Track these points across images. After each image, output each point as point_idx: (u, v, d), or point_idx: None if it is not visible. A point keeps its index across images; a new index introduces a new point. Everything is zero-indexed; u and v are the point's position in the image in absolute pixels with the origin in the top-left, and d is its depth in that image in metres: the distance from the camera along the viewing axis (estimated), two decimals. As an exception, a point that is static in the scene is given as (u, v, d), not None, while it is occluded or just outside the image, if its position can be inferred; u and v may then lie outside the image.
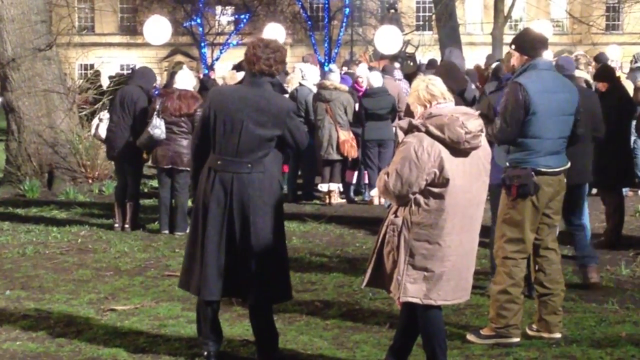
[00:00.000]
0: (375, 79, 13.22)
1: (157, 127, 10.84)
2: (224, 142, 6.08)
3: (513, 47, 6.87)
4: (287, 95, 11.55)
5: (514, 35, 7.36)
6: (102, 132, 11.79)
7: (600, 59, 15.03)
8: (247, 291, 6.10)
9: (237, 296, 6.37)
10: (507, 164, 6.72)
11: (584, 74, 10.94)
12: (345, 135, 13.20)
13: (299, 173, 14.51)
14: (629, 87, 13.46)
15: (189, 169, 9.69)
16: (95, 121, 12.30)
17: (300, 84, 13.82)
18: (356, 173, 13.92)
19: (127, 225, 11.41)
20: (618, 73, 14.05)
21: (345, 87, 13.64)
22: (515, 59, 6.87)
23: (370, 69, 15.56)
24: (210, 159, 6.16)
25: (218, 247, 6.05)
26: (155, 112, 10.89)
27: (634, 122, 10.82)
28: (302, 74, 14.06)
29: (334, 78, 13.56)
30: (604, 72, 10.52)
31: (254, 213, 6.03)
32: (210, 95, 6.40)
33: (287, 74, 17.25)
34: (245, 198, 6.03)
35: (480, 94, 9.19)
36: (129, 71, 25.13)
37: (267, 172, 6.09)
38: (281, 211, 6.27)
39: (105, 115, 12.05)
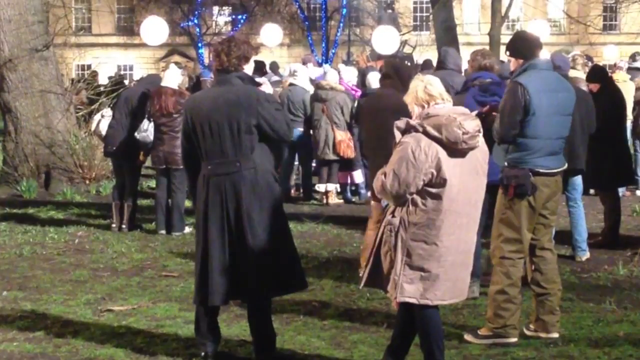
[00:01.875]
0: (374, 80, 13.11)
1: (143, 131, 10.98)
2: (208, 146, 6.10)
3: (508, 52, 6.89)
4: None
5: (511, 35, 7.36)
6: (103, 129, 11.86)
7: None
8: (254, 290, 6.09)
9: (244, 298, 6.35)
10: (506, 163, 6.72)
11: (581, 74, 10.94)
12: (342, 135, 13.17)
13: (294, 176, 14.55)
14: (631, 87, 13.49)
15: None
16: (97, 117, 12.36)
17: (291, 84, 13.82)
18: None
19: (124, 226, 11.41)
20: (620, 73, 14.11)
21: (342, 87, 13.62)
22: (513, 64, 6.89)
23: (368, 69, 15.53)
24: (202, 167, 6.18)
25: (222, 251, 6.06)
26: (147, 115, 10.99)
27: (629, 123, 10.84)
28: (293, 72, 14.08)
29: (331, 78, 13.55)
30: (595, 72, 10.53)
31: (248, 210, 6.03)
32: (185, 106, 6.46)
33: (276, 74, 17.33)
34: (238, 196, 6.03)
35: None
36: (127, 72, 25.14)
37: (259, 167, 6.09)
38: (279, 203, 6.26)
39: (108, 112, 12.11)
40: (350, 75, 14.92)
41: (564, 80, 7.00)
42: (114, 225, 11.46)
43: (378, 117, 8.33)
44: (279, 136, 6.21)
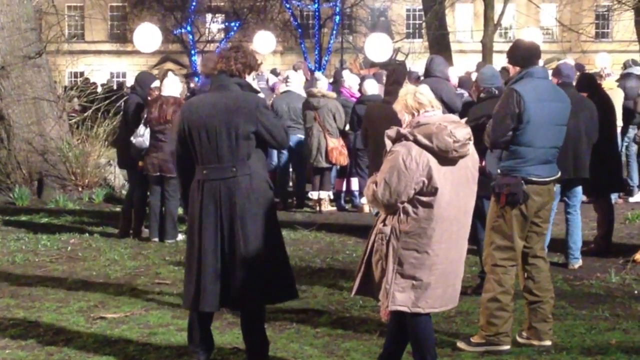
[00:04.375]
0: (370, 86, 13.07)
1: (139, 136, 10.98)
2: (204, 151, 6.09)
3: (507, 60, 6.95)
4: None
5: (503, 42, 7.44)
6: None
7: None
8: (245, 297, 6.08)
9: (235, 306, 6.34)
10: (499, 171, 6.73)
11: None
12: (334, 143, 13.16)
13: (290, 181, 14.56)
14: (619, 95, 13.50)
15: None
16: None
17: (287, 91, 13.85)
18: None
19: (117, 231, 11.47)
20: (608, 80, 14.11)
21: (333, 94, 13.61)
22: (511, 71, 6.95)
23: (362, 76, 15.52)
24: (197, 171, 6.17)
25: (215, 257, 6.04)
26: (143, 121, 11.00)
27: (632, 130, 10.82)
28: (286, 78, 14.13)
29: (321, 85, 13.54)
30: (583, 81, 10.53)
31: (242, 217, 6.02)
32: (182, 110, 6.44)
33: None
34: (233, 202, 6.03)
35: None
36: (120, 79, 25.14)
37: (254, 173, 6.09)
38: (273, 211, 6.26)
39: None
40: (353, 82, 14.74)
41: (559, 90, 7.02)
42: (131, 232, 11.46)
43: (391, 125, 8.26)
44: (277, 142, 6.24)
